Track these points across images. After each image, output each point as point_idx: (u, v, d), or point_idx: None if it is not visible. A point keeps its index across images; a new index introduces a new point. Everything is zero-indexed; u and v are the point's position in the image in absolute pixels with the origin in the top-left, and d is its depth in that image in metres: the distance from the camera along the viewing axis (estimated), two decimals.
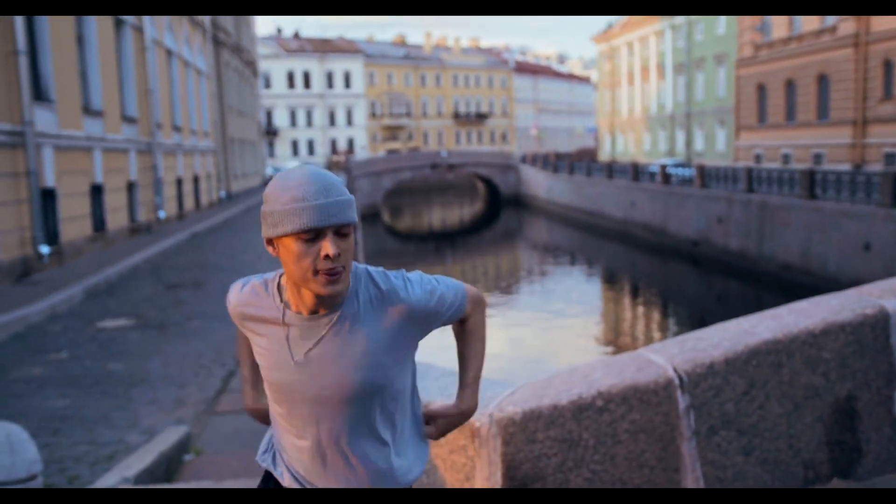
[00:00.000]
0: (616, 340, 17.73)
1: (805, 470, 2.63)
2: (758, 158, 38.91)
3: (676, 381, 2.53)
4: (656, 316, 20.93)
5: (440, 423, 1.87)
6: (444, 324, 1.81)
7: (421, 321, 1.73)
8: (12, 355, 8.30)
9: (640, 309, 22.14)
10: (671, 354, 2.63)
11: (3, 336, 9.06)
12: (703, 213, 25.79)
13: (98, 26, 17.10)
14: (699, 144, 49.10)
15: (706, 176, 26.65)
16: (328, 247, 1.53)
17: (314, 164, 63.96)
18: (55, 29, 14.54)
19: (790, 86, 37.10)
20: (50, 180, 13.96)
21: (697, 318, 19.92)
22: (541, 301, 22.79)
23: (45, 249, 13.12)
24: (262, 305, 1.71)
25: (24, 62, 12.67)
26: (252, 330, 1.74)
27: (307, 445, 1.70)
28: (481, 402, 2.62)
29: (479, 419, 2.54)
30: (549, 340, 17.50)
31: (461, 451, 2.60)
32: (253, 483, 4.07)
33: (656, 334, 18.55)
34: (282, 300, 1.67)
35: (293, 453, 1.75)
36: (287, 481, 1.80)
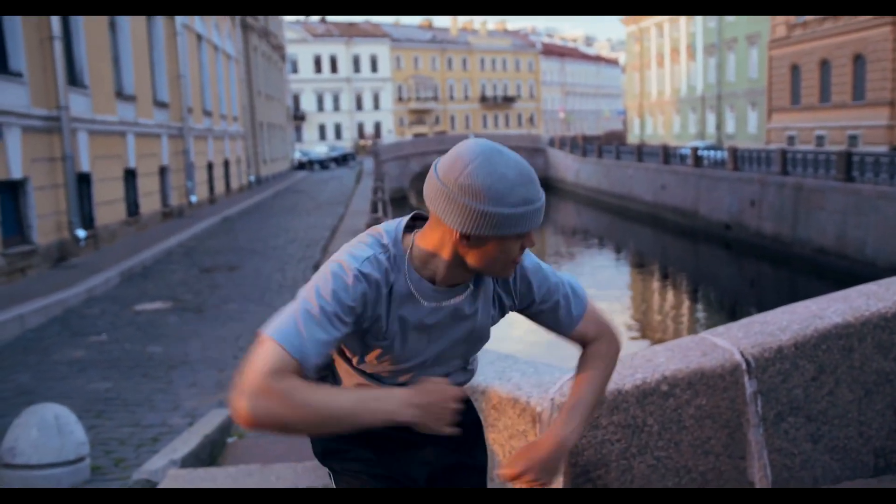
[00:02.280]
0: (647, 325, 17.59)
1: (875, 458, 2.55)
2: (790, 140, 38.27)
3: (743, 366, 2.46)
4: (688, 300, 20.72)
5: (533, 456, 1.64)
6: (544, 321, 1.74)
7: (523, 293, 1.69)
8: (53, 338, 8.41)
9: (671, 293, 21.93)
10: (736, 338, 2.56)
11: (43, 319, 9.17)
12: (736, 195, 25.42)
13: None
14: (730, 127, 48.40)
15: (738, 158, 26.25)
16: (529, 242, 1.54)
17: (341, 147, 64.05)
18: (89, 15, 14.62)
19: (825, 66, 36.38)
20: (85, 165, 14.09)
21: (730, 303, 19.69)
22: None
23: (81, 233, 13.26)
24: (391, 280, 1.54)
25: (58, 48, 12.76)
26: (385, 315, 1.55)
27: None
28: (541, 385, 2.57)
29: (539, 403, 2.49)
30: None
31: (521, 436, 2.56)
32: (297, 466, 4.06)
33: (688, 319, 18.37)
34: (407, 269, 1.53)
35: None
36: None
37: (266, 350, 1.41)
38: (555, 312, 1.71)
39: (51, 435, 4.09)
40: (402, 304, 1.54)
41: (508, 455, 2.63)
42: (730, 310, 18.41)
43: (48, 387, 6.57)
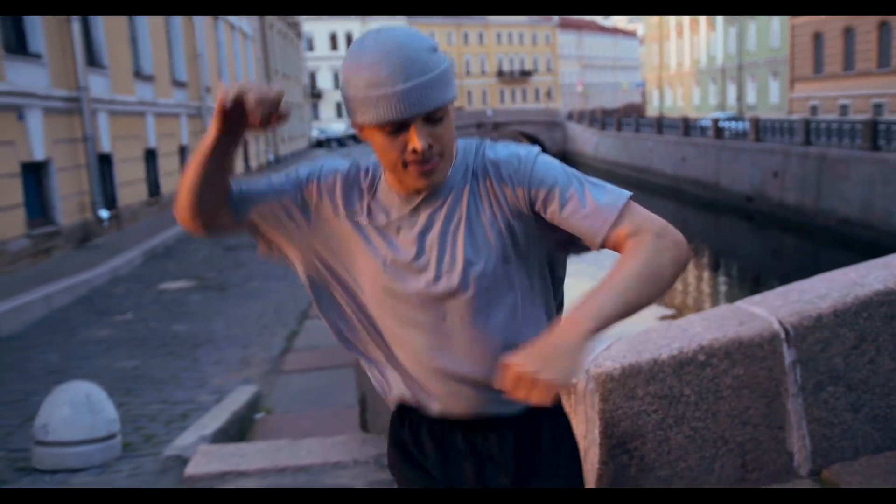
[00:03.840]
0: (673, 297, 17.50)
1: None
2: (813, 110, 37.71)
3: (782, 335, 2.41)
4: (711, 273, 20.58)
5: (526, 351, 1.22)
6: (583, 232, 1.39)
7: (539, 208, 1.39)
8: (80, 317, 8.49)
9: (693, 266, 21.79)
10: (774, 307, 2.51)
11: (70, 299, 9.26)
12: (758, 167, 25.13)
13: None
14: (751, 97, 47.75)
15: (760, 129, 25.91)
16: (414, 139, 1.29)
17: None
18: None
19: (848, 33, 35.71)
20: (106, 145, 14.14)
21: (753, 275, 19.53)
22: (591, 259, 22.52)
23: (104, 214, 13.35)
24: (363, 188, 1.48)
25: (77, 29, 12.77)
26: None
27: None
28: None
29: None
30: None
31: None
32: (326, 441, 4.08)
33: (712, 291, 18.25)
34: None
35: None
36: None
37: None
38: (569, 208, 1.36)
39: (83, 412, 4.12)
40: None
41: None
42: (753, 281, 18.26)
43: (76, 365, 6.64)
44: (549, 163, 1.42)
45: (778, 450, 2.46)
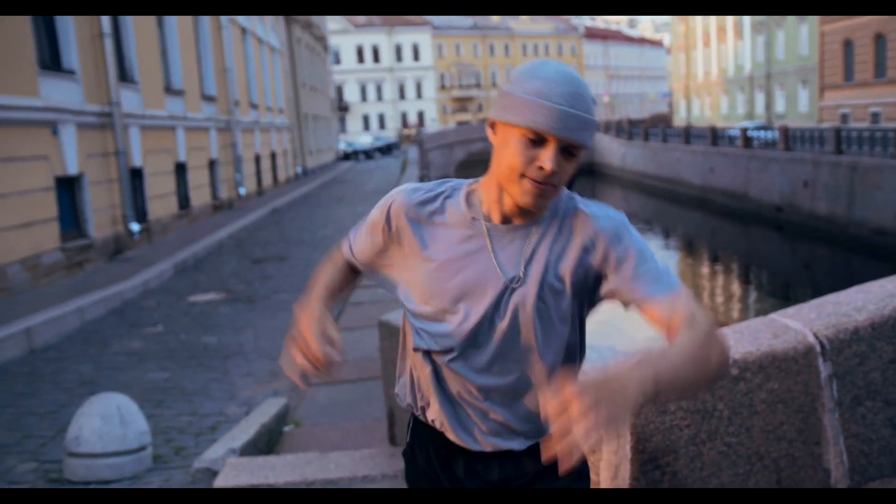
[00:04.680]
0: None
1: None
2: (844, 118, 37.22)
3: (817, 348, 2.37)
4: (741, 284, 20.34)
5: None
6: (628, 295, 1.44)
7: (600, 261, 1.46)
8: (112, 329, 8.59)
9: (723, 277, 21.54)
10: (809, 319, 2.47)
11: (102, 311, 9.38)
12: (788, 176, 24.83)
13: None
14: (780, 106, 47.26)
15: (790, 138, 25.61)
16: (546, 158, 1.36)
17: (385, 136, 64.27)
18: None
19: (879, 40, 35.25)
20: (137, 159, 14.35)
21: (784, 286, 19.28)
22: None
23: (135, 227, 13.52)
24: (446, 210, 1.56)
25: (109, 45, 12.99)
26: (416, 235, 1.56)
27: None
28: (606, 372, 2.51)
29: None
30: (632, 310, 17.17)
31: None
32: (355, 454, 4.07)
33: (742, 303, 18.03)
34: (468, 206, 1.54)
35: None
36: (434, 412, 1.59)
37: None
38: (637, 275, 1.43)
39: (114, 424, 4.16)
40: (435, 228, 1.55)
41: None
42: (785, 293, 18.02)
43: (108, 377, 6.72)
44: (635, 233, 1.51)
45: (814, 466, 2.42)
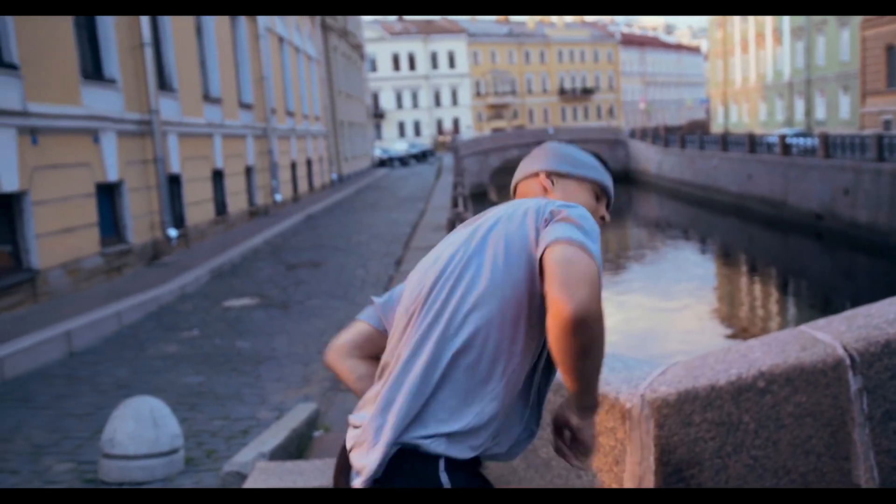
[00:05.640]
0: (738, 319, 17.08)
1: None
2: (886, 125, 36.50)
3: (847, 361, 2.33)
4: (778, 293, 20.02)
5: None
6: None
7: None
8: (148, 333, 8.74)
9: (760, 286, 21.23)
10: (839, 332, 2.43)
11: (140, 315, 9.54)
12: (828, 184, 24.42)
13: (215, 17, 17.68)
14: (820, 113, 46.50)
15: (830, 145, 25.18)
16: (605, 211, 1.93)
17: (420, 143, 64.47)
18: (177, 21, 15.13)
19: None
20: (175, 166, 14.59)
21: (824, 296, 18.94)
22: (654, 278, 22.21)
23: (173, 233, 13.74)
24: None
25: (149, 54, 13.24)
26: None
27: None
28: (631, 381, 2.51)
29: (629, 400, 2.43)
30: (667, 317, 17.03)
31: (610, 433, 2.50)
32: None
33: (780, 313, 17.75)
34: None
35: None
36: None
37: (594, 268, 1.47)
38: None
39: (147, 427, 4.24)
40: None
41: (597, 452, 2.57)
42: (823, 303, 17.71)
43: (144, 380, 6.83)
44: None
45: (843, 481, 2.38)
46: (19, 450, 5.22)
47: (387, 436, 1.53)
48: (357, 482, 1.56)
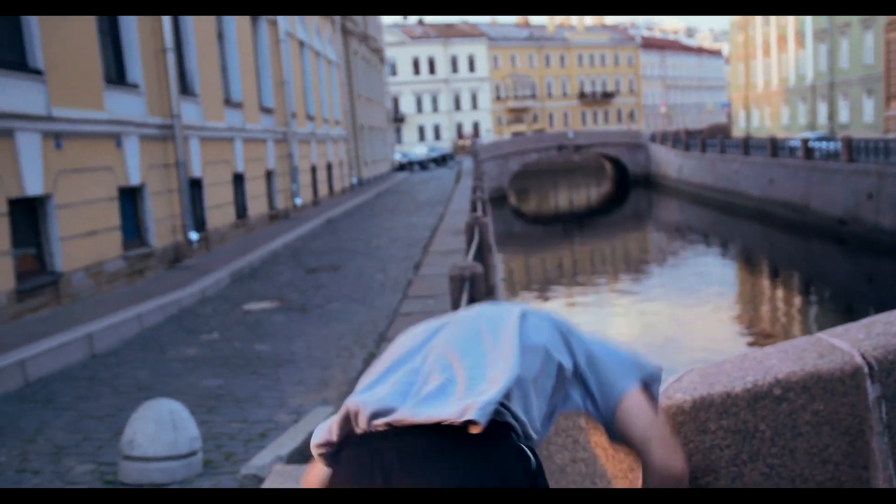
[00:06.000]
0: (758, 325, 16.94)
1: None
2: None
3: (865, 369, 2.31)
4: (800, 299, 19.83)
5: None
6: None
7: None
8: (169, 336, 8.82)
9: (782, 292, 21.03)
10: (857, 339, 2.41)
11: (161, 318, 9.63)
12: (851, 188, 24.15)
13: (237, 22, 17.84)
14: (843, 116, 46.03)
15: (854, 149, 24.90)
16: None
17: (440, 147, 64.56)
18: (198, 26, 15.28)
19: None
20: (197, 170, 14.71)
21: (846, 302, 18.73)
22: (675, 284, 22.07)
23: (194, 236, 13.86)
24: None
25: (171, 59, 13.37)
26: None
27: None
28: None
29: None
30: (687, 323, 16.92)
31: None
32: None
33: (802, 319, 17.58)
34: None
35: None
36: None
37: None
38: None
39: (166, 429, 4.28)
40: None
41: (611, 460, 2.57)
42: (846, 309, 17.51)
43: (164, 382, 6.89)
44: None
45: None
46: (41, 450, 5.29)
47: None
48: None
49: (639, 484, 2.48)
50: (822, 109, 48.64)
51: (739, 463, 2.33)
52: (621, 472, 2.55)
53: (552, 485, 2.77)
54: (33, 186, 9.55)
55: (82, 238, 10.51)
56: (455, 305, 5.62)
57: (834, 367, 2.33)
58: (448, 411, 1.38)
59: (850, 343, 2.42)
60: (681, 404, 2.34)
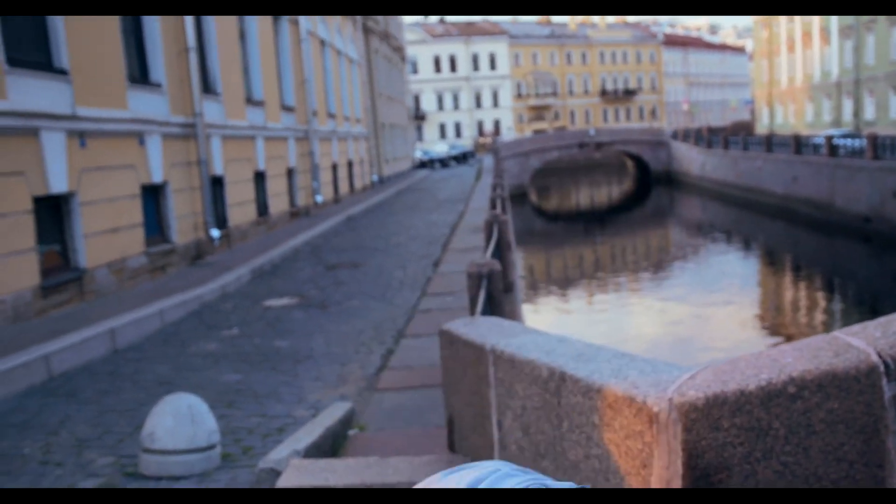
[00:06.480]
0: (778, 323, 16.79)
1: None
2: None
3: (881, 368, 2.30)
4: (823, 298, 19.62)
5: None
6: None
7: None
8: (190, 332, 8.90)
9: (804, 290, 20.82)
10: (873, 338, 2.39)
11: (182, 313, 9.72)
12: (876, 186, 23.86)
13: (258, 22, 17.94)
14: (869, 113, 45.42)
15: (879, 146, 24.59)
16: None
17: (461, 145, 64.55)
18: (220, 26, 15.39)
19: None
20: (218, 168, 14.83)
21: (871, 301, 18.50)
22: (696, 282, 21.92)
23: (215, 233, 13.97)
24: None
25: (194, 58, 13.49)
26: None
27: None
28: (659, 384, 2.50)
29: (657, 403, 2.42)
30: (707, 321, 16.80)
31: (637, 436, 2.49)
32: (415, 460, 4.12)
33: (824, 318, 17.39)
34: None
35: None
36: None
37: None
38: None
39: (185, 423, 4.33)
40: None
41: (624, 456, 2.57)
42: (870, 309, 17.31)
43: (185, 377, 6.97)
44: None
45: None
46: (64, 443, 5.37)
47: None
48: None
49: (651, 480, 2.48)
50: (848, 106, 48.04)
51: (753, 461, 2.32)
52: (634, 469, 2.55)
53: (566, 480, 2.77)
54: (58, 184, 9.67)
55: (106, 235, 10.63)
56: (473, 302, 5.63)
57: (849, 365, 2.32)
58: None
59: (866, 341, 2.40)
60: (693, 401, 2.34)
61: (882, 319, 2.56)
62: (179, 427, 4.30)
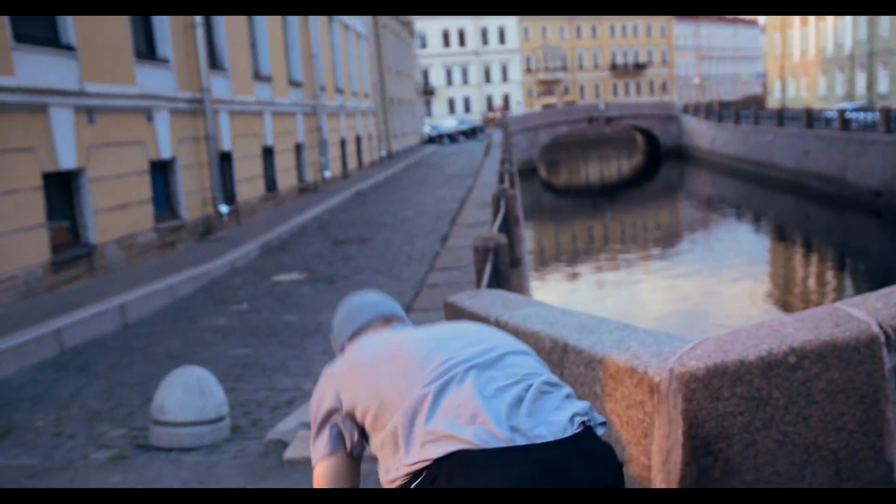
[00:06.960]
0: (786, 296, 16.76)
1: None
2: None
3: (882, 339, 2.30)
4: (832, 272, 19.56)
5: None
6: None
7: None
8: (199, 307, 8.97)
9: (814, 264, 20.76)
10: (874, 309, 2.40)
11: (191, 289, 9.79)
12: (889, 160, 23.64)
13: None
14: (883, 86, 44.92)
15: (892, 119, 24.33)
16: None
17: (470, 120, 64.25)
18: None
19: None
20: (226, 144, 14.84)
21: (881, 276, 18.43)
22: (706, 256, 21.87)
23: (224, 209, 14.01)
24: None
25: (201, 34, 13.45)
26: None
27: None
28: (660, 355, 2.52)
29: (657, 374, 2.44)
30: (716, 295, 16.79)
31: (638, 406, 2.52)
32: None
33: (834, 291, 17.35)
34: None
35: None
36: None
37: None
38: None
39: (194, 395, 4.39)
40: None
41: (626, 426, 2.60)
42: (880, 283, 17.24)
43: (195, 351, 7.03)
44: None
45: (876, 459, 2.36)
46: (76, 416, 5.44)
47: None
48: None
49: (652, 449, 2.50)
50: (861, 79, 47.53)
51: (752, 430, 2.34)
52: (635, 439, 2.58)
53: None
54: (67, 160, 9.71)
55: (115, 211, 10.69)
56: (479, 276, 5.65)
57: (850, 335, 2.32)
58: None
59: (867, 312, 2.40)
60: (694, 371, 2.36)
61: (884, 290, 2.56)
62: (189, 399, 4.35)
